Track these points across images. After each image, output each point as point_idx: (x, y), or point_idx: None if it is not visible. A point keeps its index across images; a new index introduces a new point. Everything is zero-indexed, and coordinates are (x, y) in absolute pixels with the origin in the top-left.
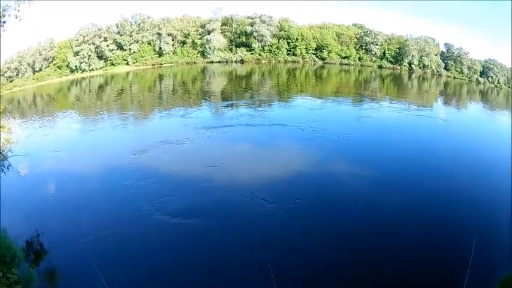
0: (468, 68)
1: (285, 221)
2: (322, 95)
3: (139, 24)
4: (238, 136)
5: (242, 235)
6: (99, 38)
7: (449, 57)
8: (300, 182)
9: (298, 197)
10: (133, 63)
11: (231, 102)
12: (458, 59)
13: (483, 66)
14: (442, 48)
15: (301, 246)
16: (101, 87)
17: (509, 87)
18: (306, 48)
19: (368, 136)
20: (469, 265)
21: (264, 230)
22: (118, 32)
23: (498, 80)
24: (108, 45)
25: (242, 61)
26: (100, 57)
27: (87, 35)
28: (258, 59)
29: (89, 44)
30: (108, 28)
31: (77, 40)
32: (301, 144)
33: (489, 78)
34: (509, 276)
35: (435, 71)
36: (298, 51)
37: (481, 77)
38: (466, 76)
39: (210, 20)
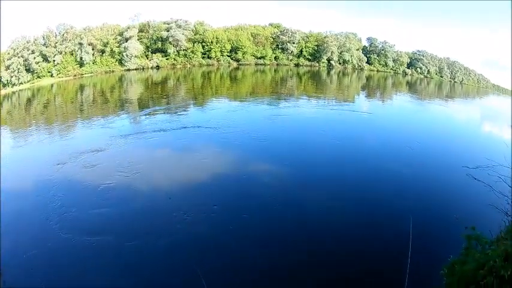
0: (393, 60)
1: (209, 226)
2: (237, 96)
3: (63, 35)
4: (155, 143)
5: (165, 246)
6: (28, 50)
7: (372, 51)
8: (219, 185)
9: (216, 203)
10: (57, 74)
11: (147, 109)
12: (383, 52)
13: (411, 58)
14: (365, 43)
15: (228, 249)
16: (29, 101)
17: (440, 77)
18: (220, 50)
19: (285, 134)
20: (409, 252)
21: (187, 237)
22: (44, 44)
23: (428, 70)
24: (35, 58)
25: (158, 67)
26: (28, 70)
27: (17, 48)
28: (174, 64)
29: (18, 57)
30: (36, 40)
31: (8, 53)
32: (218, 146)
33: (417, 69)
34: (456, 260)
35: (356, 65)
36: (213, 54)
37: (408, 68)
38: (391, 69)
39: (128, 27)
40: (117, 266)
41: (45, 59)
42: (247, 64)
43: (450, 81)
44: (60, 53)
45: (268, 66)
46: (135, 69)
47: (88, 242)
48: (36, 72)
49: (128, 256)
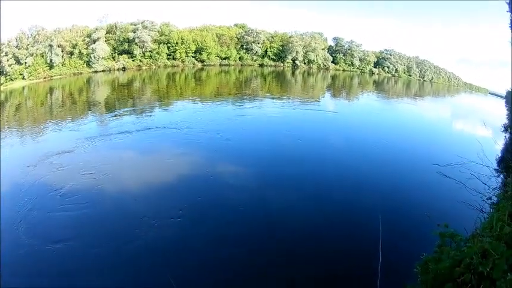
0: (360, 59)
1: (176, 229)
2: (202, 97)
3: (34, 37)
4: (121, 144)
5: (135, 252)
6: (1, 52)
7: (338, 51)
8: (185, 186)
9: (183, 204)
10: (28, 77)
11: (114, 110)
12: (349, 51)
13: (378, 57)
14: (331, 43)
15: (199, 252)
16: (2, 105)
17: (409, 75)
18: (185, 51)
19: (250, 135)
20: (379, 251)
21: (155, 241)
22: (17, 46)
23: (396, 69)
24: (8, 60)
25: (124, 69)
26: (1, 73)
27: None
28: (139, 65)
29: None
30: (9, 42)
31: (1, 51)
32: (184, 147)
33: (385, 68)
34: (430, 257)
35: (322, 65)
36: (178, 55)
37: (375, 67)
38: (357, 68)
39: (96, 29)
40: (84, 272)
41: (18, 61)
42: (212, 65)
43: (419, 79)
44: (32, 55)
45: (233, 67)
46: (102, 71)
47: (52, 247)
48: (9, 75)
49: (94, 262)
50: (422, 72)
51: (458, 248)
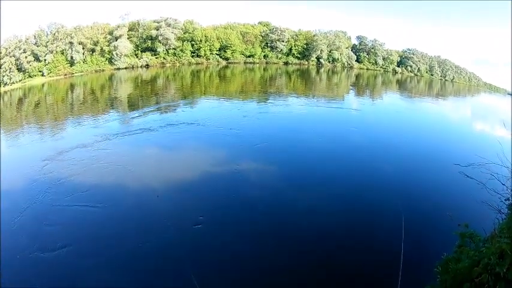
0: (383, 58)
1: (200, 226)
2: (226, 94)
3: (54, 34)
4: (145, 141)
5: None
6: (19, 49)
7: (362, 50)
8: (209, 184)
9: (207, 202)
10: (48, 74)
11: (137, 107)
12: (372, 50)
13: (401, 56)
14: (355, 41)
15: (222, 250)
16: (20, 101)
17: (431, 75)
18: (209, 49)
19: (273, 132)
20: (401, 250)
21: (178, 238)
22: (35, 43)
23: (418, 68)
24: (26, 57)
25: (147, 66)
26: (19, 70)
27: (9, 47)
28: (163, 62)
29: (10, 57)
30: (27, 39)
31: (0, 53)
32: (208, 145)
33: (407, 67)
34: (450, 257)
35: (346, 64)
36: (202, 53)
37: (398, 66)
38: (381, 67)
39: (118, 26)
40: (107, 268)
41: (37, 58)
42: (237, 62)
43: (441, 79)
44: (51, 52)
45: (258, 65)
46: (125, 68)
47: (79, 243)
48: (28, 72)
49: (118, 258)
50: (444, 71)
51: (477, 248)
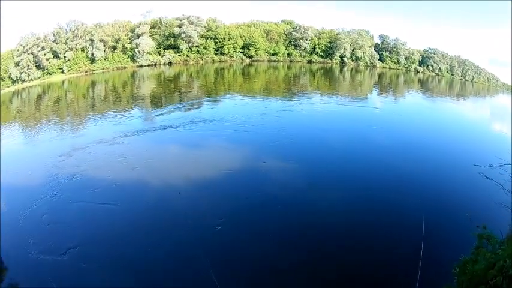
0: (405, 58)
1: (221, 222)
2: (250, 92)
3: (73, 32)
4: (168, 138)
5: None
6: (37, 47)
7: (384, 49)
8: (231, 182)
9: (229, 200)
10: (68, 71)
11: (160, 105)
12: (395, 49)
13: (422, 56)
14: (377, 40)
15: (243, 247)
16: (40, 98)
17: (451, 75)
18: (233, 47)
19: (297, 131)
20: (421, 250)
21: (198, 234)
22: (54, 40)
23: (439, 68)
24: (45, 54)
25: (170, 63)
26: (38, 67)
27: (27, 45)
28: (186, 60)
29: (28, 54)
30: (46, 36)
31: (18, 50)
32: (232, 143)
33: (429, 67)
34: (468, 259)
35: (369, 62)
36: (225, 51)
37: (420, 66)
38: (403, 66)
39: (140, 24)
40: (126, 266)
41: (56, 55)
42: (260, 60)
43: (461, 79)
44: (71, 49)
45: (281, 63)
46: (148, 65)
47: (97, 239)
48: (47, 69)
49: (137, 255)
50: (464, 71)
51: (493, 250)
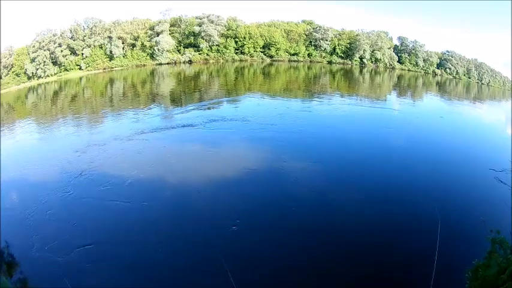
0: (424, 60)
1: (238, 222)
2: (271, 92)
3: (91, 29)
4: (188, 137)
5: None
6: (54, 43)
7: (403, 51)
8: (251, 180)
9: (247, 199)
10: (86, 67)
11: (179, 103)
12: (413, 51)
13: (440, 58)
14: (396, 42)
15: (254, 247)
16: (56, 94)
17: (468, 78)
18: (253, 46)
19: (317, 130)
20: (435, 253)
21: (216, 232)
22: (71, 37)
23: (457, 71)
24: (62, 51)
25: (190, 62)
26: (54, 63)
27: (43, 41)
28: (206, 59)
29: (44, 50)
30: (63, 33)
31: (33, 47)
32: (252, 142)
33: (447, 69)
34: (480, 264)
35: (388, 64)
36: (246, 50)
37: (438, 68)
38: (421, 68)
39: (159, 22)
40: (143, 264)
41: (73, 52)
42: (281, 60)
43: (477, 82)
44: (89, 46)
45: (302, 63)
46: (167, 63)
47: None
48: (64, 65)
49: (150, 254)
50: (480, 75)
51: (505, 255)
